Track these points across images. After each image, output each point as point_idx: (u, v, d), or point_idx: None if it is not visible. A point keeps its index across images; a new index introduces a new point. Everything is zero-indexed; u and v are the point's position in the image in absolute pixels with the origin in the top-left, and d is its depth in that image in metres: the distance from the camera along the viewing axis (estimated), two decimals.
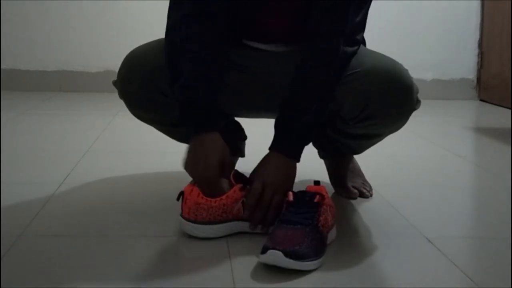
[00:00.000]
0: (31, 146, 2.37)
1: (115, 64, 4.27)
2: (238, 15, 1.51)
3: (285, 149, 1.44)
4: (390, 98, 1.46)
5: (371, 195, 1.74)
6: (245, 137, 1.86)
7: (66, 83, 3.86)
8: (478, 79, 4.05)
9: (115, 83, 1.62)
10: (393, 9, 3.84)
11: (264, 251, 1.23)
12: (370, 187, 1.77)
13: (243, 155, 1.85)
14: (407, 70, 1.50)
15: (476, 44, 4.05)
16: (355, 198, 1.72)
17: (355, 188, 1.74)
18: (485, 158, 2.44)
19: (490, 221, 1.64)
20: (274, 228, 1.32)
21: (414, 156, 2.37)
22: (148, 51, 1.55)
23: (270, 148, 1.46)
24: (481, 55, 4.04)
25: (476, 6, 4.02)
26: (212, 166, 1.40)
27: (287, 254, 1.21)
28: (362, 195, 1.73)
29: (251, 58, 1.56)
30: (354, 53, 1.47)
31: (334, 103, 1.48)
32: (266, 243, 1.25)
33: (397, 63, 1.50)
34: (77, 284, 1.17)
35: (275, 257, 1.21)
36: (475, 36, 4.04)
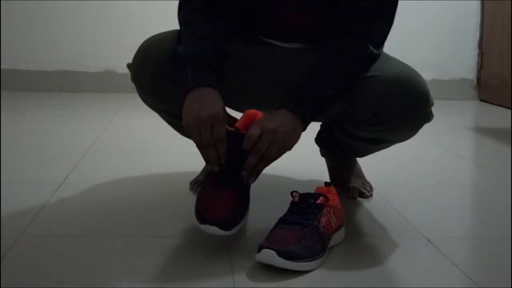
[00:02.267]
0: (31, 146, 2.37)
1: (115, 64, 4.32)
2: (255, 12, 1.51)
3: (297, 109, 1.38)
4: (405, 106, 1.46)
5: (371, 195, 1.74)
6: None
7: (66, 83, 3.86)
8: (478, 79, 4.05)
9: (129, 66, 1.62)
10: None
11: (259, 250, 1.24)
12: (371, 187, 1.77)
13: None
14: (425, 81, 1.50)
15: (476, 44, 4.05)
16: (355, 198, 1.72)
17: (355, 188, 1.74)
18: (485, 158, 2.44)
19: (490, 221, 1.64)
20: (273, 228, 1.32)
21: (414, 156, 2.37)
22: (163, 40, 1.55)
23: (279, 108, 1.40)
24: (481, 55, 4.04)
25: (476, 6, 4.02)
26: (210, 106, 1.35)
27: (281, 254, 1.21)
28: (362, 195, 1.73)
29: (268, 54, 1.56)
30: (378, 56, 1.47)
31: (349, 102, 1.47)
32: (263, 242, 1.26)
33: (417, 73, 1.49)
34: (77, 284, 1.17)
35: (268, 256, 1.22)
36: (475, 36, 4.04)
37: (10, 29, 3.81)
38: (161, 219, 1.54)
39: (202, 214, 1.31)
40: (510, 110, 3.55)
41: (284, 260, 1.21)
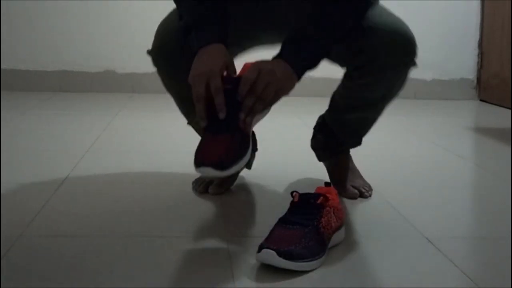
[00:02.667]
0: (31, 146, 2.37)
1: (115, 64, 4.32)
2: None
3: (291, 58, 1.41)
4: (393, 46, 1.56)
5: (370, 195, 1.74)
6: (256, 149, 1.82)
7: (66, 83, 3.86)
8: (478, 79, 4.05)
9: (149, 52, 1.65)
10: (393, 9, 3.84)
11: (259, 250, 1.24)
12: (370, 187, 1.78)
13: (249, 167, 1.83)
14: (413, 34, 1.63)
15: (476, 44, 4.05)
16: (355, 198, 1.72)
17: (355, 188, 1.75)
18: (485, 158, 2.44)
19: (490, 221, 1.64)
20: (273, 228, 1.32)
21: (414, 156, 2.37)
22: (175, 20, 1.58)
23: (274, 58, 1.43)
24: (481, 55, 4.04)
25: (476, 6, 4.02)
26: (208, 61, 1.38)
27: (281, 254, 1.21)
28: (362, 195, 1.73)
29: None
30: (371, 3, 1.57)
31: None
32: (263, 242, 1.26)
33: (406, 25, 1.65)
34: (77, 284, 1.17)
35: (268, 256, 1.22)
36: (475, 36, 4.04)
37: (10, 29, 3.81)
38: (161, 219, 1.54)
39: (197, 158, 1.32)
40: (510, 110, 3.55)
41: (284, 260, 1.21)
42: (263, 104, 1.37)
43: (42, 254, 1.31)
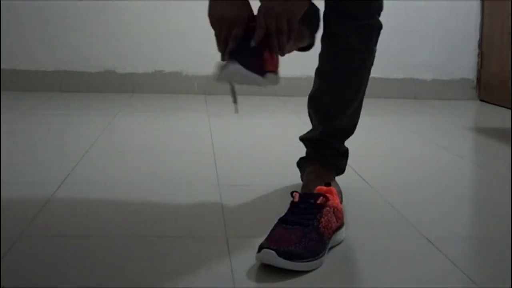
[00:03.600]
0: (31, 146, 2.37)
1: (115, 64, 4.31)
2: None
3: None
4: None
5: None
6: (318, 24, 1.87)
7: (66, 83, 3.86)
8: (478, 79, 4.05)
9: None
10: (393, 9, 3.84)
11: (259, 250, 1.24)
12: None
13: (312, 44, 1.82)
14: None
15: (476, 44, 4.05)
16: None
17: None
18: (485, 158, 2.44)
19: (490, 221, 1.64)
20: (273, 228, 1.32)
21: (414, 156, 2.37)
22: None
23: None
24: (481, 55, 4.04)
25: (476, 6, 4.02)
26: (232, 8, 1.47)
27: (281, 254, 1.21)
28: None
29: None
30: None
31: None
32: (263, 242, 1.26)
33: None
34: (77, 284, 1.17)
35: (269, 256, 1.22)
36: (475, 36, 4.05)
37: (10, 29, 3.82)
38: (160, 219, 1.54)
39: None
40: (510, 110, 3.55)
41: (284, 260, 1.21)
42: (285, 37, 1.46)
43: (42, 254, 1.31)
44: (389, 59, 3.83)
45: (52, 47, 3.85)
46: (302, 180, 1.78)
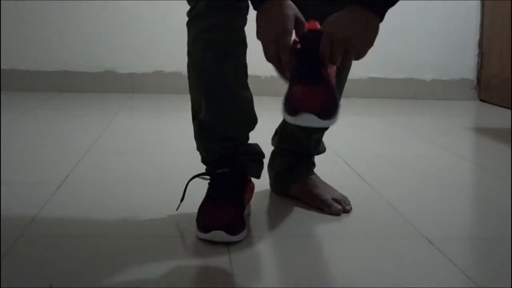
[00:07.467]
0: (31, 146, 2.37)
1: (115, 64, 4.31)
2: None
3: (369, 1, 1.27)
4: None
5: (351, 209, 1.62)
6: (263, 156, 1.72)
7: (66, 83, 3.86)
8: (478, 79, 4.05)
9: None
10: (393, 9, 3.84)
11: (295, 112, 1.22)
12: (348, 200, 1.64)
13: (259, 177, 1.67)
14: None
15: (476, 44, 4.05)
16: (339, 215, 1.58)
17: (336, 201, 1.62)
18: (485, 158, 2.44)
19: (490, 221, 1.64)
20: (290, 85, 1.29)
21: (414, 156, 2.37)
22: None
23: (349, 3, 1.29)
24: (481, 55, 4.04)
25: (476, 6, 4.02)
26: (276, 20, 1.29)
27: (321, 116, 1.22)
28: (345, 210, 1.60)
29: None
30: None
31: None
32: (293, 102, 1.24)
33: None
34: (76, 284, 1.17)
35: (311, 119, 1.22)
36: (475, 36, 4.05)
37: (10, 29, 3.82)
38: (161, 219, 1.54)
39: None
40: (510, 110, 3.56)
41: (323, 121, 1.22)
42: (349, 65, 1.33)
43: (42, 254, 1.31)
44: (389, 59, 3.83)
45: (52, 47, 3.85)
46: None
